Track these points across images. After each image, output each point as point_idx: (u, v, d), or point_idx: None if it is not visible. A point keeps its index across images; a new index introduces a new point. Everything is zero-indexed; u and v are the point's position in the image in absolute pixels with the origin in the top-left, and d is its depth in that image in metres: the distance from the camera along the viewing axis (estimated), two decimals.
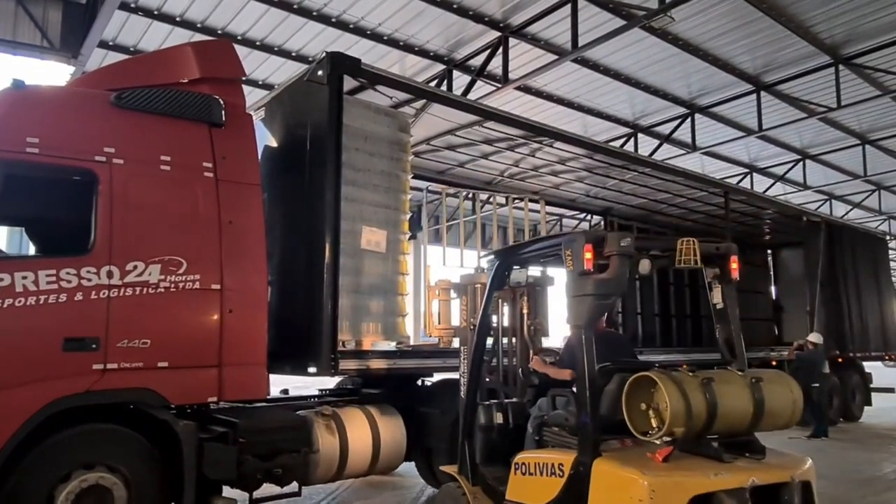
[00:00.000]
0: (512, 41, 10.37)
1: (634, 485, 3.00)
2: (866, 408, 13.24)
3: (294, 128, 6.33)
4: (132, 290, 4.54)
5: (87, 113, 4.76)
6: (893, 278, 16.78)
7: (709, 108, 13.71)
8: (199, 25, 9.81)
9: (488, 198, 11.94)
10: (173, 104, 4.99)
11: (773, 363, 11.58)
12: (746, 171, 18.16)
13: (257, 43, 10.39)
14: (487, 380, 4.89)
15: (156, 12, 9.49)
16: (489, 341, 4.74)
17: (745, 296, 14.16)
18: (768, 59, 11.63)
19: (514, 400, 4.62)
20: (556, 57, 10.29)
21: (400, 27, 10.10)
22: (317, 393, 6.90)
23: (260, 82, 11.47)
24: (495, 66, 10.72)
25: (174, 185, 4.88)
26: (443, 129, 8.35)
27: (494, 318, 4.79)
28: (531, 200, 10.61)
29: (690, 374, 3.35)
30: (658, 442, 3.25)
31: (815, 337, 11.29)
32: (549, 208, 12.61)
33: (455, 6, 9.59)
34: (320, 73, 5.84)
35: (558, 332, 4.79)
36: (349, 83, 6.21)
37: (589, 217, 14.39)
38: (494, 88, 11.00)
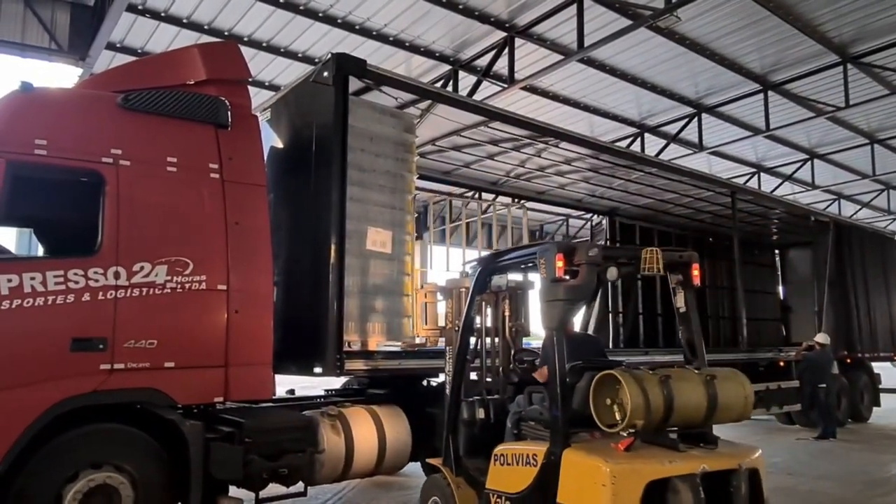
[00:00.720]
0: (518, 41, 10.36)
1: (598, 471, 3.34)
2: (875, 409, 13.15)
3: (300, 129, 6.35)
4: (139, 291, 4.57)
5: (94, 115, 4.79)
6: None
7: (716, 108, 13.65)
8: (206, 27, 9.85)
9: (494, 198, 11.98)
10: (180, 106, 5.02)
11: (781, 364, 11.54)
12: (754, 170, 18.07)
13: (263, 44, 10.42)
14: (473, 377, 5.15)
15: (163, 14, 9.53)
16: (472, 342, 5.00)
17: (752, 296, 14.12)
18: (776, 59, 11.56)
19: (496, 397, 4.88)
20: (562, 57, 10.27)
21: (406, 28, 10.11)
22: (322, 393, 6.93)
23: (266, 83, 11.50)
24: (501, 66, 10.71)
25: (181, 186, 4.91)
26: (448, 130, 8.36)
27: (478, 320, 5.03)
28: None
29: (650, 372, 3.69)
30: (622, 434, 3.55)
31: (822, 337, 11.23)
32: (554, 209, 12.61)
33: (461, 6, 9.59)
34: (326, 74, 5.86)
35: (539, 332, 4.97)
36: (355, 84, 6.23)
37: (591, 217, 14.25)
38: (500, 89, 10.99)
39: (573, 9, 9.37)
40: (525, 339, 5.34)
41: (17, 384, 4.10)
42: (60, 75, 10.09)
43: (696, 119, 13.96)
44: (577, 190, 11.53)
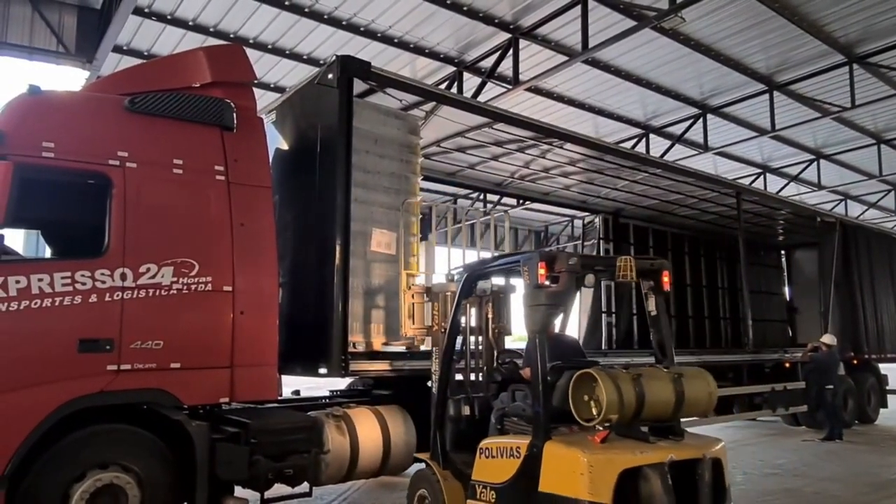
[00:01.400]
0: (522, 43, 10.37)
1: (576, 461, 3.65)
2: (882, 410, 13.09)
3: (305, 130, 6.38)
4: (145, 292, 4.60)
5: (101, 117, 4.83)
6: None
7: (721, 109, 13.62)
8: (211, 29, 9.90)
9: (499, 199, 11.98)
10: (185, 108, 5.06)
11: (787, 365, 11.50)
12: (760, 171, 18.02)
13: (269, 46, 10.46)
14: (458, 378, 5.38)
15: (169, 17, 9.59)
16: (458, 342, 5.21)
17: (757, 297, 14.07)
18: (781, 59, 11.53)
19: (480, 394, 5.14)
20: (566, 58, 10.27)
21: (411, 29, 10.13)
22: (328, 394, 6.95)
23: (272, 85, 11.55)
24: (506, 67, 10.72)
25: (186, 188, 4.95)
26: (453, 132, 8.38)
27: (462, 321, 5.25)
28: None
29: (624, 370, 3.99)
30: (598, 427, 3.87)
31: (828, 338, 11.19)
32: (559, 210, 12.59)
33: (465, 8, 9.60)
34: (330, 76, 5.89)
35: (521, 333, 5.32)
36: (359, 86, 6.25)
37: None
38: (505, 90, 10.99)
39: (577, 10, 9.37)
40: (507, 340, 5.60)
41: (26, 385, 4.14)
42: (68, 78, 10.15)
43: (701, 120, 13.94)
44: (582, 191, 11.52)
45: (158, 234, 4.73)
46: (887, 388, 13.37)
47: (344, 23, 9.84)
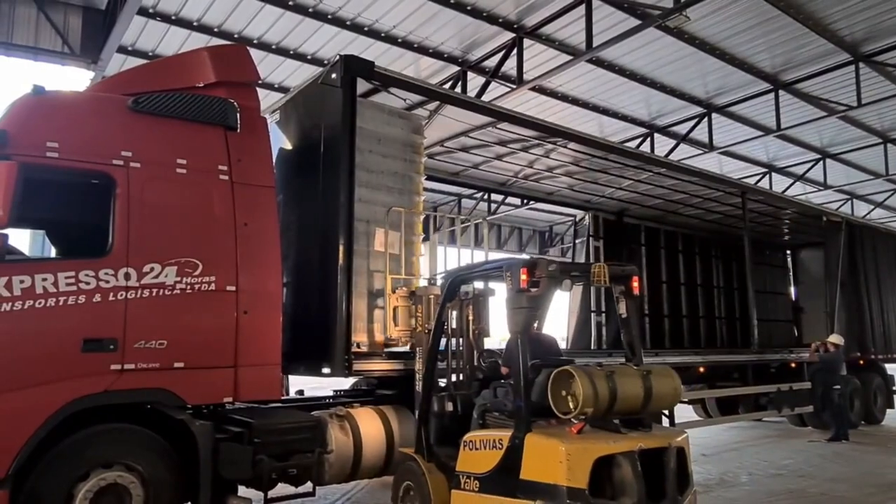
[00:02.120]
0: (526, 42, 10.36)
1: (555, 450, 3.98)
2: (888, 410, 13.01)
3: (308, 130, 6.39)
4: (149, 292, 4.61)
5: (105, 117, 4.83)
6: None
7: (726, 108, 13.56)
8: (215, 30, 9.92)
9: (503, 199, 11.96)
10: (189, 108, 5.06)
11: (793, 365, 11.44)
12: (765, 170, 17.95)
13: (273, 46, 10.48)
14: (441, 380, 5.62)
15: (173, 17, 9.61)
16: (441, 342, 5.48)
17: (763, 297, 14.03)
18: (786, 58, 11.48)
19: (462, 391, 5.39)
20: (570, 57, 10.25)
21: (414, 29, 10.13)
22: (331, 393, 6.95)
23: (276, 85, 11.56)
24: (510, 67, 10.70)
25: (190, 187, 4.95)
26: (456, 131, 8.37)
27: (446, 323, 5.51)
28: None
29: (598, 368, 4.35)
30: (574, 420, 4.21)
31: (835, 338, 11.14)
32: (563, 209, 12.56)
33: (469, 8, 9.59)
34: (334, 76, 5.90)
35: (499, 335, 5.73)
36: (363, 86, 6.26)
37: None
38: (509, 89, 10.98)
39: (581, 9, 9.34)
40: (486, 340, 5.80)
41: (30, 384, 4.15)
42: (73, 78, 10.21)
43: (706, 119, 13.89)
44: (586, 191, 11.50)
45: (162, 234, 4.74)
46: (894, 388, 13.28)
47: (348, 22, 9.85)
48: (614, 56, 11.17)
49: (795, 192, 17.91)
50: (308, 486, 5.18)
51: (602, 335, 12.04)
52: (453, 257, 7.21)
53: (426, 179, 7.04)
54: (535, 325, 5.04)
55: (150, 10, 9.38)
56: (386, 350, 6.14)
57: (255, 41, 10.18)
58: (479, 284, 5.60)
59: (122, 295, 4.50)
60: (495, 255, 9.24)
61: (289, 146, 6.57)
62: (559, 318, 12.20)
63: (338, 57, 5.97)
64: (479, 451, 4.49)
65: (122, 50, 10.05)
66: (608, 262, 4.67)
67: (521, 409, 4.28)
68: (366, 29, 10.00)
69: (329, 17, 9.68)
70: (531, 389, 4.37)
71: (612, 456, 4.04)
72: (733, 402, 11.00)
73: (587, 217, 12.43)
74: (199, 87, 5.27)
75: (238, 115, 5.26)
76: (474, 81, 11.30)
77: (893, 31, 10.57)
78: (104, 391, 4.37)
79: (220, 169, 5.10)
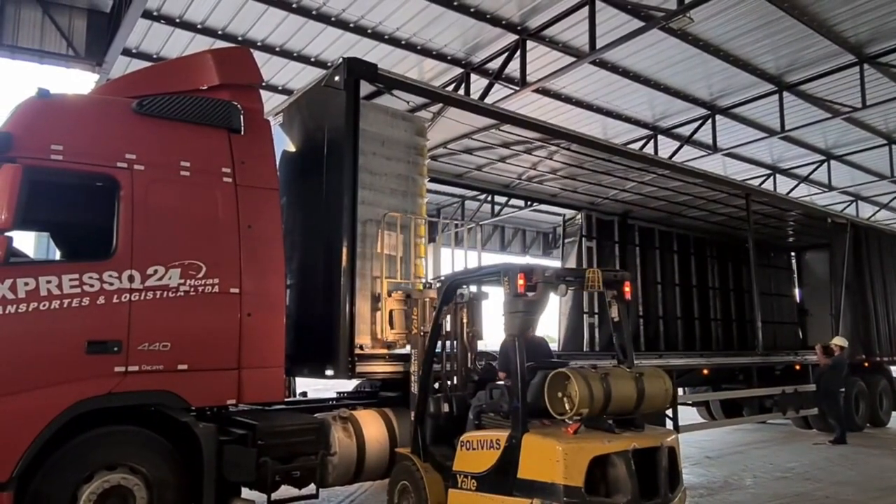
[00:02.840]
0: (530, 44, 10.35)
1: (552, 450, 4.08)
2: (894, 413, 12.95)
3: (312, 132, 6.39)
4: (153, 294, 4.62)
5: (109, 120, 4.85)
6: None
7: (730, 109, 13.54)
8: (219, 32, 9.94)
9: (507, 201, 11.93)
10: (193, 111, 5.08)
11: (798, 367, 11.40)
12: (769, 172, 17.91)
13: (277, 49, 10.50)
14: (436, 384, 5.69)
15: (178, 20, 9.64)
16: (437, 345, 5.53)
17: (768, 299, 13.96)
18: (791, 59, 11.45)
19: (458, 393, 5.48)
20: (574, 59, 10.24)
21: (418, 31, 10.14)
22: (335, 395, 6.95)
23: (279, 88, 11.58)
24: (513, 68, 10.70)
25: (194, 190, 4.97)
26: (460, 133, 8.36)
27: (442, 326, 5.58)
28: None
29: (593, 370, 4.45)
30: (569, 420, 4.29)
31: (840, 340, 11.09)
32: (565, 211, 12.55)
33: (473, 10, 9.60)
34: (337, 78, 5.90)
35: (492, 337, 5.78)
36: (366, 88, 6.26)
37: (564, 213, 13.77)
38: (513, 91, 10.98)
39: (585, 11, 9.35)
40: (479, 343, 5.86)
41: (34, 386, 4.16)
42: (78, 81, 10.25)
43: (710, 120, 13.86)
44: (590, 193, 11.47)
45: (166, 236, 4.75)
46: None
47: (352, 25, 9.86)
48: (618, 58, 11.15)
49: (800, 193, 17.86)
50: (311, 488, 5.17)
51: (595, 337, 12.00)
52: (457, 259, 7.22)
53: (430, 181, 7.04)
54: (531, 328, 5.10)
55: (155, 13, 9.41)
56: (389, 352, 6.14)
57: (259, 43, 10.20)
58: (473, 288, 5.66)
59: (126, 297, 4.52)
60: (493, 258, 9.22)
61: (292, 148, 6.58)
62: (549, 319, 12.14)
63: (341, 59, 5.98)
64: (477, 450, 4.57)
65: (126, 52, 10.08)
66: (601, 266, 4.68)
67: (518, 410, 4.37)
68: (370, 31, 10.01)
69: (333, 19, 9.69)
70: (528, 390, 4.46)
71: (606, 455, 4.15)
72: (738, 404, 10.96)
73: (579, 217, 12.34)
74: (202, 90, 5.29)
75: (242, 117, 5.28)
76: (478, 83, 11.30)
77: None
78: (108, 393, 4.39)
79: (223, 171, 5.11)
